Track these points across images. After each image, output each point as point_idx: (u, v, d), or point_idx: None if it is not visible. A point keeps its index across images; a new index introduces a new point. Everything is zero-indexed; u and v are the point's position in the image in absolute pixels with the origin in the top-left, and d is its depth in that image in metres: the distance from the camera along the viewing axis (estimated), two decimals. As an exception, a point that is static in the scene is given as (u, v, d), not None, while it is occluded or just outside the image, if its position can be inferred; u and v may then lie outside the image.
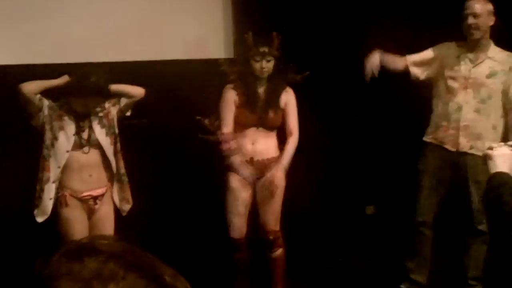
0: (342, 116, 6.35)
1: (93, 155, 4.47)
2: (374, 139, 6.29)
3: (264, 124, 4.80)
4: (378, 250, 5.95)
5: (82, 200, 4.46)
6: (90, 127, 4.45)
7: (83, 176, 4.45)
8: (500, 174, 2.43)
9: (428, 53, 4.99)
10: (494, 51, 4.85)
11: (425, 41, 5.07)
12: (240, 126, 4.77)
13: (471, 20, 4.75)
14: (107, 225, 4.49)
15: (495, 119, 4.85)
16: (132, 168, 4.86)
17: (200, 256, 5.18)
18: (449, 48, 4.94)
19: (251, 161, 4.81)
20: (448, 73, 4.88)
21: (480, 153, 4.57)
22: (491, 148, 2.50)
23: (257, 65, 4.76)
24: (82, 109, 4.38)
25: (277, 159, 4.84)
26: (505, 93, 4.82)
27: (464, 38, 4.86)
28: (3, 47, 5.00)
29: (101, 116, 4.48)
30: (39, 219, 4.38)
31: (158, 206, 5.51)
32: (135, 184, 4.97)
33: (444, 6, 5.28)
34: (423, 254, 5.06)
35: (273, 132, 4.85)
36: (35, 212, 4.39)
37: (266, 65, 4.76)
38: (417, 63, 5.00)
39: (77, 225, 4.37)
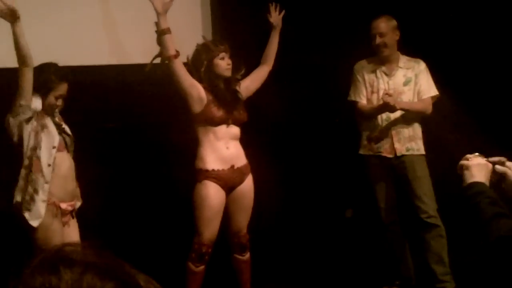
0: (322, 118, 6.37)
1: (71, 159, 4.33)
2: (353, 142, 6.30)
3: (234, 119, 4.80)
4: (360, 251, 5.99)
5: (62, 212, 4.23)
6: (62, 127, 4.32)
7: (67, 184, 4.27)
8: (477, 184, 2.46)
9: (360, 82, 5.32)
10: (403, 61, 5.30)
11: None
12: (212, 123, 4.75)
13: (378, 40, 5.19)
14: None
15: (418, 118, 5.28)
16: (104, 172, 4.85)
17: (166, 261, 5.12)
18: (363, 67, 5.35)
19: (232, 169, 4.79)
20: (369, 88, 5.29)
21: (416, 152, 5.25)
22: (467, 159, 2.53)
23: (223, 63, 4.78)
24: (47, 106, 4.22)
25: (248, 166, 4.89)
26: (417, 92, 5.25)
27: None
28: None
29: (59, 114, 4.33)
30: (35, 223, 4.10)
31: (128, 209, 5.51)
32: (105, 187, 4.97)
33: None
34: (402, 250, 5.34)
35: (239, 132, 4.85)
36: (27, 215, 4.10)
37: (230, 62, 4.80)
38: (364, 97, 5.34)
39: (57, 240, 4.08)
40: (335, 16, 6.14)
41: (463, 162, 2.54)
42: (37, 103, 4.17)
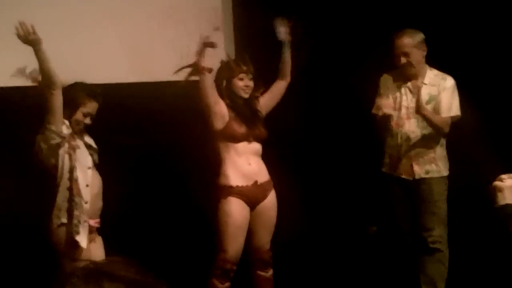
0: (345, 133, 6.32)
1: (99, 176, 4.37)
2: (377, 158, 6.25)
3: (255, 136, 4.80)
4: (383, 269, 5.92)
5: (90, 229, 4.23)
6: (90, 146, 4.33)
7: (97, 201, 4.29)
8: (508, 207, 2.42)
9: (385, 96, 5.09)
10: (430, 76, 5.02)
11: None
12: (233, 139, 4.76)
13: (403, 60, 4.91)
14: None
15: (438, 138, 5.04)
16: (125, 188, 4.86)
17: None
18: (387, 81, 5.10)
19: (255, 185, 4.78)
20: (392, 105, 5.03)
21: (436, 175, 5.00)
22: (501, 179, 2.47)
23: (241, 84, 4.78)
24: (74, 122, 4.23)
25: (271, 182, 4.87)
26: (436, 110, 4.99)
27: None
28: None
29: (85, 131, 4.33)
30: (84, 244, 4.16)
31: (150, 225, 5.50)
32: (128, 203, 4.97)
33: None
34: (430, 270, 5.10)
35: (260, 149, 4.85)
36: (78, 238, 4.14)
37: (250, 83, 4.80)
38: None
39: (84, 256, 4.11)
40: (359, 28, 6.08)
41: (496, 183, 2.48)
42: (64, 127, 4.16)
